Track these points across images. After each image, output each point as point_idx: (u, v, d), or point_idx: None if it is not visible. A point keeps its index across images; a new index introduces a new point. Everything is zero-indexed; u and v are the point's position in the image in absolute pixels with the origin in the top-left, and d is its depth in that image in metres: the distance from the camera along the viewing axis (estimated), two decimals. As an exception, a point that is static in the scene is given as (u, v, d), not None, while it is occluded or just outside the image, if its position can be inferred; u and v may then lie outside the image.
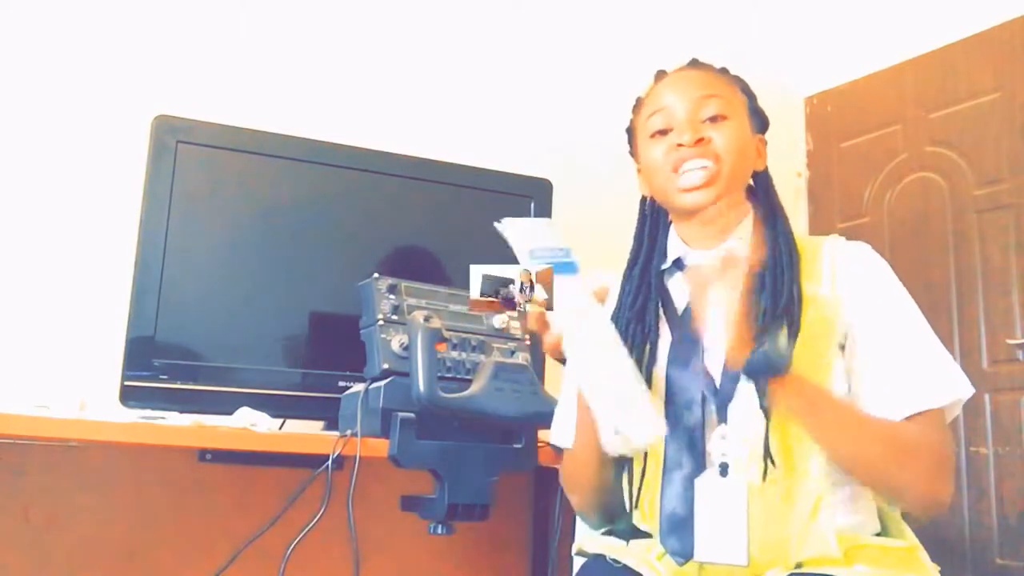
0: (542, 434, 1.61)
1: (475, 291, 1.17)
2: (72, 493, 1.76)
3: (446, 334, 1.47)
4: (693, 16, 2.87)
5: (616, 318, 1.31)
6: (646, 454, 1.24)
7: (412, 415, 1.45)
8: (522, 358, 1.59)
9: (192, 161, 1.76)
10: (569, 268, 1.17)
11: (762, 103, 1.37)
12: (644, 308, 1.30)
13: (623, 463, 1.27)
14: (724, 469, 1.16)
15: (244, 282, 1.80)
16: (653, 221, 1.37)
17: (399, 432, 1.45)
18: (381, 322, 1.54)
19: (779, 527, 1.15)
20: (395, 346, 1.52)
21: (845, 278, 1.24)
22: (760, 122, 1.35)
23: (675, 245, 1.33)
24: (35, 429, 1.40)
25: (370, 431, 1.48)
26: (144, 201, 1.72)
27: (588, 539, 1.34)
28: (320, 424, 1.79)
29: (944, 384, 1.20)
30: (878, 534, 1.23)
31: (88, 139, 2.08)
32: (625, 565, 1.22)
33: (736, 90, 1.33)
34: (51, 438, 1.53)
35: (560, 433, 1.39)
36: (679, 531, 1.17)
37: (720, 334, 1.09)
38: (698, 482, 1.16)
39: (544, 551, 2.04)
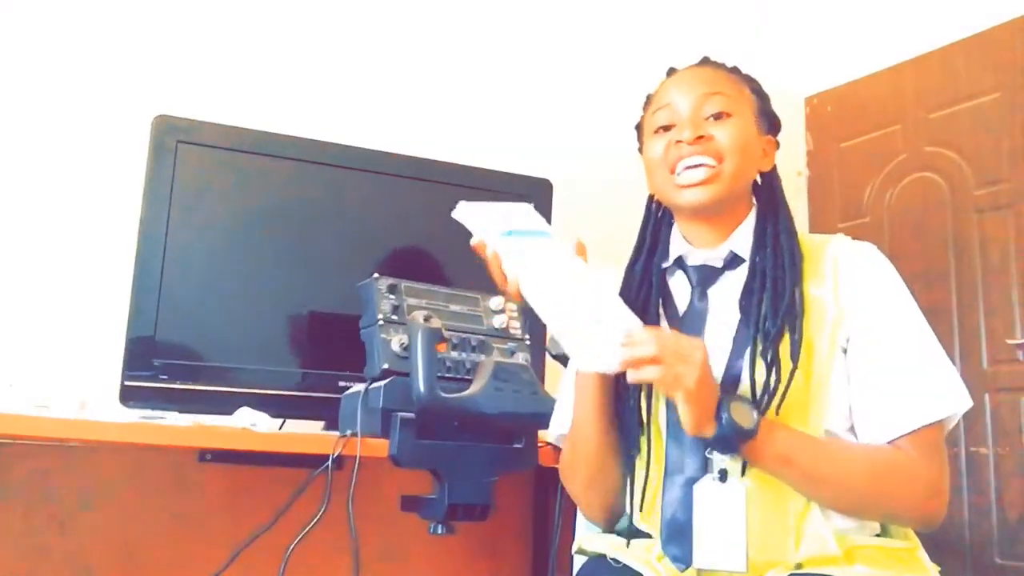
0: (542, 434, 1.61)
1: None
2: (72, 493, 1.75)
3: (446, 334, 1.47)
4: (693, 16, 2.87)
5: None
6: (649, 457, 1.23)
7: (412, 415, 1.45)
8: (522, 358, 1.59)
9: (192, 161, 1.76)
10: (543, 235, 1.19)
11: (764, 103, 1.36)
12: (645, 305, 1.29)
13: (623, 456, 1.27)
14: (723, 475, 1.16)
15: (244, 282, 1.80)
16: (658, 219, 1.37)
17: (399, 432, 1.45)
18: (381, 322, 1.54)
19: (775, 527, 1.14)
20: (395, 346, 1.52)
21: (848, 281, 1.23)
22: (769, 124, 1.34)
23: (677, 243, 1.33)
24: (35, 429, 1.40)
25: (370, 431, 1.48)
26: (144, 201, 1.72)
27: (588, 538, 1.34)
28: (320, 424, 1.79)
29: (941, 398, 1.18)
30: (878, 535, 1.22)
31: (88, 139, 2.08)
32: (625, 565, 1.22)
33: (744, 89, 1.32)
34: (51, 438, 1.53)
35: (558, 423, 1.39)
36: (679, 537, 1.16)
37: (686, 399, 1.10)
38: (697, 487, 1.16)
39: (544, 551, 2.04)
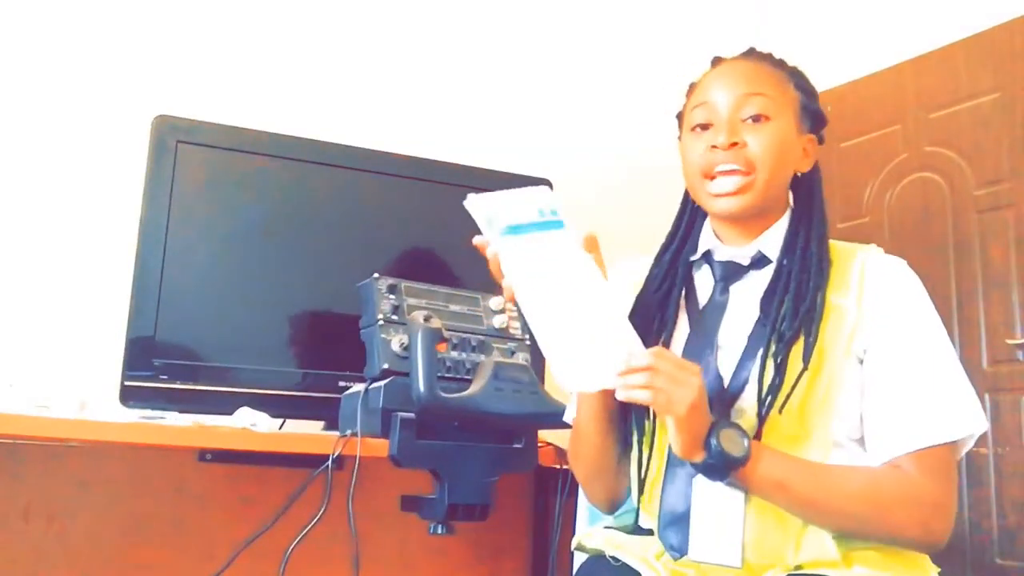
0: (542, 434, 1.61)
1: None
2: (72, 493, 1.75)
3: (446, 334, 1.47)
4: (693, 16, 2.87)
5: (640, 300, 1.30)
6: (652, 448, 1.24)
7: (412, 415, 1.45)
8: (522, 358, 1.59)
9: (192, 161, 1.76)
10: (553, 226, 1.11)
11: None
12: (668, 295, 1.29)
13: (627, 446, 1.27)
14: None
15: (244, 282, 1.80)
16: (692, 211, 1.36)
17: (399, 432, 1.45)
18: (381, 322, 1.54)
19: (776, 529, 1.14)
20: (395, 346, 1.53)
21: (872, 293, 1.21)
22: (812, 121, 1.31)
23: (707, 238, 1.32)
24: (35, 429, 1.40)
25: (370, 431, 1.48)
26: (144, 201, 1.72)
27: (588, 534, 1.34)
28: (320, 424, 1.80)
29: (954, 419, 1.16)
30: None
31: (89, 139, 2.08)
32: (624, 564, 1.22)
33: (788, 87, 1.29)
34: (51, 438, 1.53)
35: (573, 407, 1.39)
36: (676, 527, 1.17)
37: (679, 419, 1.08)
38: (696, 480, 1.16)
39: (544, 551, 2.04)
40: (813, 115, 1.31)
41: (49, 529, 1.73)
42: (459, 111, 2.48)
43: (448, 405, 1.41)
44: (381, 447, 1.46)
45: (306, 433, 1.72)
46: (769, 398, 1.15)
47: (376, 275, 1.58)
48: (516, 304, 1.14)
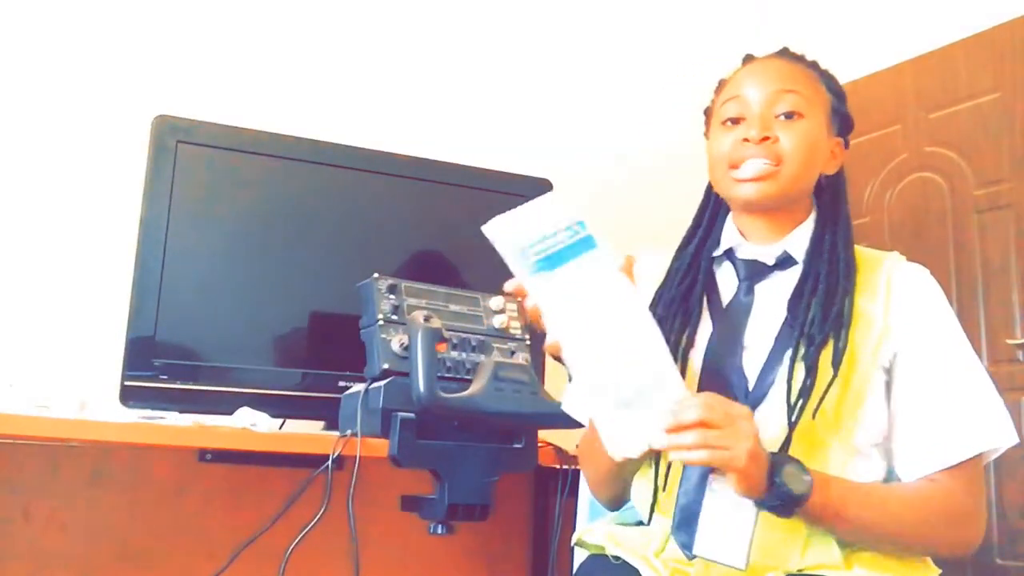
0: (542, 434, 1.61)
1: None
2: (72, 493, 1.76)
3: (446, 334, 1.47)
4: (693, 16, 2.87)
5: (661, 296, 1.28)
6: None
7: (412, 415, 1.45)
8: (522, 358, 1.59)
9: (192, 161, 1.76)
10: (585, 245, 1.00)
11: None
12: (689, 291, 1.27)
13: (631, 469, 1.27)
14: None
15: (244, 282, 1.80)
16: (715, 206, 1.34)
17: (399, 432, 1.45)
18: (381, 322, 1.54)
19: (783, 534, 1.14)
20: (395, 346, 1.52)
21: (899, 302, 1.21)
22: (842, 124, 1.31)
23: (730, 235, 1.30)
24: (35, 429, 1.40)
25: (370, 431, 1.48)
26: (144, 201, 1.72)
27: (588, 531, 1.34)
28: (320, 424, 1.80)
29: (985, 431, 1.17)
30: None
31: (89, 139, 2.08)
32: (624, 562, 1.22)
33: (821, 88, 1.29)
34: (51, 438, 1.53)
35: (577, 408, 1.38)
36: (688, 525, 1.16)
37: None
38: (711, 478, 1.15)
39: (544, 551, 2.04)
40: (842, 118, 1.31)
41: (49, 529, 1.73)
42: (459, 111, 2.48)
43: (448, 405, 1.41)
44: (381, 447, 1.46)
45: (306, 433, 1.72)
46: (800, 402, 1.14)
47: (376, 275, 1.58)
48: (561, 357, 1.06)
